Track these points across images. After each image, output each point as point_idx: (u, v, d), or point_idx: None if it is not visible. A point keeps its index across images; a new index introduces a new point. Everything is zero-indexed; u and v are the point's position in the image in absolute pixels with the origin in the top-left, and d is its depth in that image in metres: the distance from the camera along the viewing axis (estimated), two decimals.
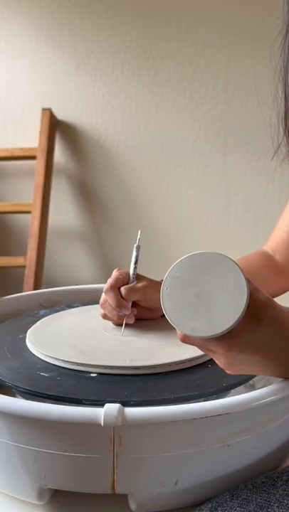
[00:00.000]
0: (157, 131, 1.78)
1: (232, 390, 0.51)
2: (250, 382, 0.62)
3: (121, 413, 0.39)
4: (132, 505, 0.43)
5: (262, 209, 1.78)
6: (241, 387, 0.54)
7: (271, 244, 0.78)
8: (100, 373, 0.50)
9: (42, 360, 0.53)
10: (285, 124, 0.65)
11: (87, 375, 0.50)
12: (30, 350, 0.56)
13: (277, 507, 0.40)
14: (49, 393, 0.46)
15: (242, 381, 0.51)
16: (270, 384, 0.45)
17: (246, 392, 0.44)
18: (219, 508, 0.40)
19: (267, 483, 0.43)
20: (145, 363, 0.51)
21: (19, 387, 0.47)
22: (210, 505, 0.41)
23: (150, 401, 0.45)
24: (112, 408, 0.39)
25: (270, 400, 0.43)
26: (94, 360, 0.51)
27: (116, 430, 0.39)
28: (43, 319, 0.65)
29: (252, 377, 0.53)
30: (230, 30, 1.69)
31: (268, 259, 0.77)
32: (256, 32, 1.69)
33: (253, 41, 1.69)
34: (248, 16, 1.68)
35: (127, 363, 0.51)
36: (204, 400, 0.43)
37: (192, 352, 0.54)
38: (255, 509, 0.39)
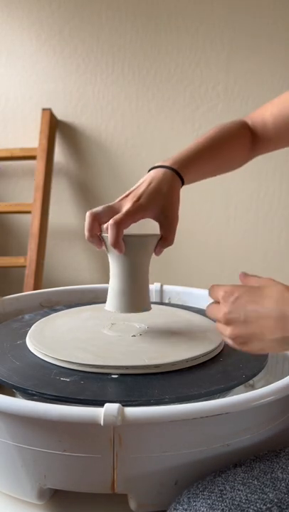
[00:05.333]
0: (157, 131, 1.78)
1: (232, 390, 0.51)
2: (250, 382, 0.62)
3: (121, 413, 0.39)
4: (132, 505, 0.43)
5: (262, 209, 1.78)
6: (241, 387, 0.54)
7: (253, 118, 0.81)
8: (121, 374, 0.50)
9: (55, 365, 0.53)
10: None
11: (109, 376, 0.50)
12: (39, 356, 0.55)
13: (281, 473, 0.40)
14: (80, 398, 0.45)
15: (242, 381, 0.51)
16: (270, 384, 0.45)
17: (246, 392, 0.44)
18: (223, 475, 0.40)
19: (270, 455, 0.44)
20: (164, 361, 0.51)
21: (46, 394, 0.46)
22: (213, 473, 0.41)
23: (189, 396, 0.46)
24: (111, 408, 0.39)
25: (270, 399, 0.43)
26: (113, 362, 0.51)
27: (116, 430, 0.39)
28: (36, 324, 0.64)
29: (252, 376, 0.53)
30: (230, 30, 1.69)
31: (246, 129, 0.79)
32: (256, 32, 1.69)
33: (253, 41, 1.69)
34: (248, 15, 1.68)
35: (147, 362, 0.51)
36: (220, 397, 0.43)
37: (201, 348, 0.56)
38: (259, 474, 0.40)
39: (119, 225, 0.57)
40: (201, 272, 1.84)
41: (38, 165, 1.70)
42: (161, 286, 0.85)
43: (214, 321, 0.50)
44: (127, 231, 0.58)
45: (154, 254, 0.62)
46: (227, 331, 0.47)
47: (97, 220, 0.60)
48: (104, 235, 0.59)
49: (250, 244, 1.80)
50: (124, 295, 0.59)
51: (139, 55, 1.74)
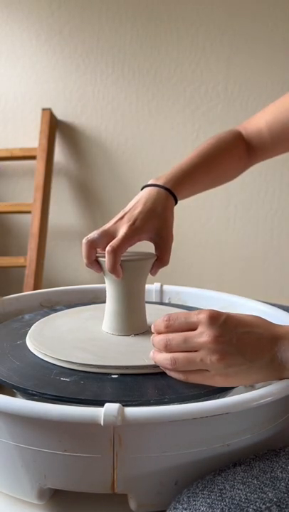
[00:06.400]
0: (157, 131, 1.78)
1: (232, 390, 0.51)
2: None
3: (121, 413, 0.39)
4: (132, 505, 0.43)
5: (262, 209, 1.78)
6: (241, 387, 0.54)
7: (247, 129, 0.80)
8: (121, 374, 0.50)
9: (55, 365, 0.53)
10: None
11: (108, 376, 0.50)
12: (39, 356, 0.55)
13: (281, 472, 0.40)
14: (80, 398, 0.45)
15: None
16: (269, 384, 0.45)
17: (246, 392, 0.44)
18: (222, 474, 0.40)
19: (269, 454, 0.44)
20: None
21: (46, 394, 0.46)
22: (213, 473, 0.41)
23: (189, 396, 0.46)
24: (112, 408, 0.39)
25: (270, 399, 0.43)
26: (113, 362, 0.51)
27: (116, 430, 0.39)
28: (36, 324, 0.64)
29: None
30: (230, 30, 1.69)
31: (240, 140, 0.79)
32: (256, 33, 1.69)
33: (253, 41, 1.69)
34: (248, 16, 1.68)
35: (147, 362, 0.51)
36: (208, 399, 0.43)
37: None
38: (259, 473, 0.40)
39: (117, 252, 0.57)
40: (201, 271, 1.85)
41: (38, 165, 1.70)
42: (161, 286, 0.85)
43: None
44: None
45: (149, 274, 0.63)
46: (214, 356, 0.44)
47: (94, 247, 0.60)
48: (101, 259, 0.59)
49: (250, 244, 1.81)
50: (121, 317, 0.60)
51: (139, 55, 1.74)
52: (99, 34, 1.74)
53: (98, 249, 0.60)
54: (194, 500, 0.38)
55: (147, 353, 0.52)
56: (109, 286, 0.61)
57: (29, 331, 0.62)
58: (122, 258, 0.58)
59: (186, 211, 1.77)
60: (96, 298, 0.85)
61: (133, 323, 0.61)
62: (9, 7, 1.76)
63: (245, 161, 0.79)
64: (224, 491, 0.38)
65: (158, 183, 0.66)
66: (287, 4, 1.66)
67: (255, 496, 0.37)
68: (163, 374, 0.50)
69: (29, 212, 1.70)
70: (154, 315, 0.67)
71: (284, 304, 0.82)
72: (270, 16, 1.67)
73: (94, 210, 1.84)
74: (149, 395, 0.46)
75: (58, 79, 1.78)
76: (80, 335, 0.60)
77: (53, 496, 0.46)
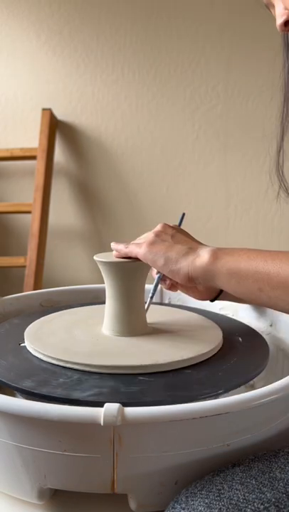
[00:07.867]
0: (157, 131, 1.78)
1: (232, 391, 0.51)
2: (251, 382, 0.62)
3: (121, 413, 0.39)
4: (132, 505, 0.43)
5: (262, 209, 1.78)
6: (241, 387, 0.54)
7: None
8: (120, 374, 0.50)
9: (54, 365, 0.53)
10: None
11: (108, 376, 0.50)
12: (38, 356, 0.55)
13: (280, 472, 0.40)
14: (80, 398, 0.45)
15: (243, 382, 0.51)
16: (269, 384, 0.45)
17: (246, 392, 0.44)
18: (221, 474, 0.40)
19: (268, 454, 0.44)
20: (164, 361, 0.52)
21: (45, 394, 0.46)
22: (212, 473, 0.41)
23: (189, 396, 0.46)
24: (111, 408, 0.39)
25: (270, 399, 0.43)
26: (112, 361, 0.52)
27: (116, 430, 0.39)
28: (35, 323, 0.64)
29: (253, 377, 0.53)
30: (230, 30, 1.69)
31: None
32: (256, 32, 1.69)
33: (253, 41, 1.69)
34: (249, 16, 1.68)
35: (147, 362, 0.51)
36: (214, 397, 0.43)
37: (202, 348, 0.56)
38: (257, 474, 0.40)
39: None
40: None
41: (38, 165, 1.70)
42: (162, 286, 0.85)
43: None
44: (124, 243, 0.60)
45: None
46: (151, 235, 0.57)
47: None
48: (100, 259, 0.60)
49: (250, 244, 1.81)
50: (121, 318, 0.60)
51: (139, 55, 1.74)
52: (99, 34, 1.74)
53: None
54: (192, 500, 0.38)
55: (148, 353, 0.52)
56: (109, 287, 0.61)
57: (29, 331, 0.62)
58: (122, 259, 0.59)
59: (186, 211, 1.77)
60: (96, 298, 0.85)
61: (133, 323, 0.61)
62: (9, 7, 1.76)
63: None
64: (222, 491, 0.38)
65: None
66: None
67: (254, 496, 0.37)
68: (163, 374, 0.50)
69: (29, 212, 1.70)
70: (155, 315, 0.67)
71: None
72: (271, 15, 1.67)
73: (94, 210, 1.84)
74: (149, 395, 0.46)
75: (58, 79, 1.78)
76: (79, 335, 0.60)
77: (53, 496, 0.46)
